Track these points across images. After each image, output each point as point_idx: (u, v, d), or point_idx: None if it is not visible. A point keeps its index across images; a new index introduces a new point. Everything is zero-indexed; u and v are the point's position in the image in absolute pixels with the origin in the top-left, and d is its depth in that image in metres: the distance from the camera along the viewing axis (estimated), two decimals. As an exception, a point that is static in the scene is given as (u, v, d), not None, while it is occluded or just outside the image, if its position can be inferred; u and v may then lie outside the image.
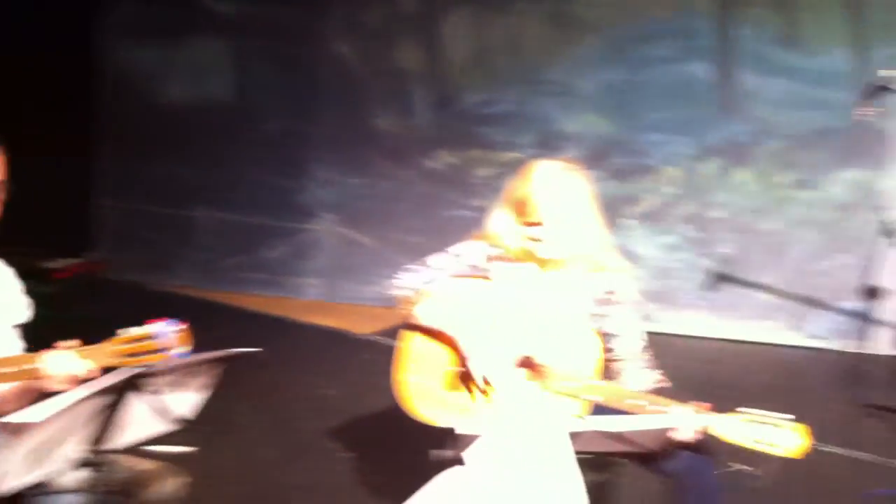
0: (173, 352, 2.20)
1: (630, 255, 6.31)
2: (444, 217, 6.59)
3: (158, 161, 7.27)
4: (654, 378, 2.82)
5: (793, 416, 2.48)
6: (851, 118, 4.11)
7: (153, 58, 7.29)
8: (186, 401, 2.47)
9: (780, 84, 6.09)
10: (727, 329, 6.36)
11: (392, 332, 3.03)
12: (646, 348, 2.90)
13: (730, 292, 6.35)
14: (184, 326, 2.24)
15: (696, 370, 5.65)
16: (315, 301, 7.06)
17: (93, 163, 7.38)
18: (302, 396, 4.92)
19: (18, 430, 1.93)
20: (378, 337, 5.90)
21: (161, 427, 2.41)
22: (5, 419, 1.99)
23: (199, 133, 7.21)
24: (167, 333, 2.21)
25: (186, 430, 3.89)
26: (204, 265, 7.35)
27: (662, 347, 5.94)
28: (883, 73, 3.86)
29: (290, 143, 7.05)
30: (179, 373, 2.28)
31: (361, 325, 6.26)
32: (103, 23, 7.23)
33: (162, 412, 2.29)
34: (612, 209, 6.35)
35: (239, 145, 7.13)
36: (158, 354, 2.20)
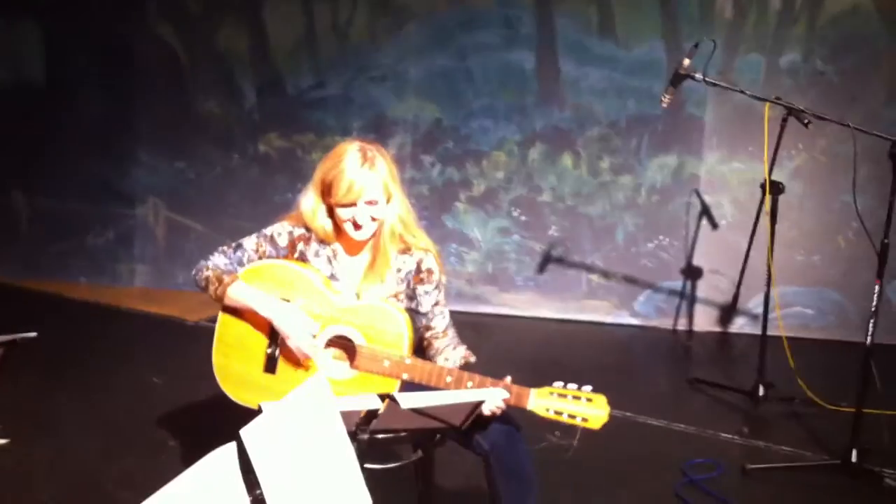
0: None
1: (462, 239, 6.48)
2: (277, 202, 6.51)
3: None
4: (462, 353, 2.88)
5: (591, 387, 2.60)
6: (660, 107, 4.27)
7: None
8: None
9: (599, 73, 6.26)
10: (556, 309, 6.53)
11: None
12: (451, 325, 2.96)
13: (558, 274, 6.53)
14: None
15: (526, 350, 5.81)
16: (143, 288, 6.90)
17: None
18: (127, 386, 4.80)
19: None
20: (209, 323, 5.81)
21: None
22: None
23: (14, 117, 6.89)
24: None
25: (1, 420, 3.76)
26: (23, 254, 7.05)
27: (494, 328, 6.18)
28: (685, 61, 4.02)
29: (113, 128, 6.83)
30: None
31: (192, 312, 6.16)
32: None
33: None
34: (445, 193, 6.51)
35: (58, 130, 6.85)
36: None
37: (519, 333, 6.22)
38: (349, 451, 1.81)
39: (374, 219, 2.82)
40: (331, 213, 2.87)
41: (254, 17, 6.63)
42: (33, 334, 2.43)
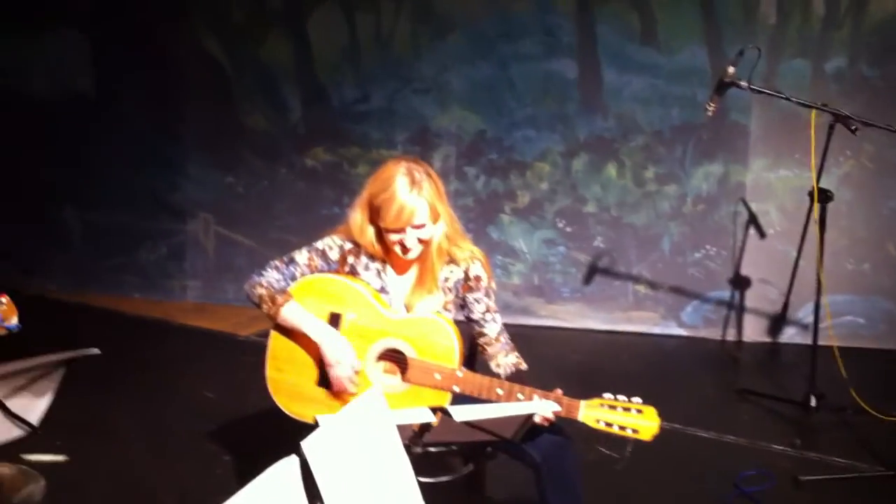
0: (6, 324, 2.19)
1: (508, 250, 6.49)
2: (323, 215, 6.57)
3: (22, 159, 7.05)
4: (514, 360, 2.91)
5: (640, 399, 2.61)
6: (704, 116, 4.25)
7: (14, 53, 7.05)
8: (30, 405, 2.44)
9: (642, 81, 6.23)
10: (603, 320, 6.49)
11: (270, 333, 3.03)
12: (503, 333, 2.98)
13: (604, 284, 6.49)
14: (6, 298, 2.24)
15: (573, 361, 5.80)
16: (194, 303, 6.97)
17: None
18: (181, 399, 4.86)
19: None
20: (259, 338, 5.87)
21: (9, 433, 2.37)
22: None
23: (65, 132, 7.01)
24: None
25: (59, 437, 3.83)
26: (76, 269, 7.16)
27: (540, 340, 6.16)
28: (729, 69, 4.01)
29: (160, 141, 6.92)
30: (21, 377, 2.25)
31: (242, 327, 6.23)
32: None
33: (8, 417, 2.25)
34: (489, 205, 6.53)
35: (108, 144, 6.94)
36: None
37: (565, 345, 6.20)
38: (406, 463, 1.84)
39: (421, 241, 2.85)
40: (378, 232, 2.91)
41: (297, 29, 6.68)
42: (96, 351, 2.48)
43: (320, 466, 1.56)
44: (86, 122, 6.99)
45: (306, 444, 1.61)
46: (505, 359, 2.92)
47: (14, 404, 2.33)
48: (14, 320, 2.24)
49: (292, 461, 1.58)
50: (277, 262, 2.98)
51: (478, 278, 2.96)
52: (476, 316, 2.96)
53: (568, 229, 6.50)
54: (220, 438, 4.27)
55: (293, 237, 6.45)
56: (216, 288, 6.97)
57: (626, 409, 2.60)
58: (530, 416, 2.53)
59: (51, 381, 2.51)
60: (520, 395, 2.66)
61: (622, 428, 2.59)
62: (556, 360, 5.67)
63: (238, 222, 6.93)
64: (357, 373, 2.82)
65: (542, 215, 6.52)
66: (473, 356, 3.06)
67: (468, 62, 6.43)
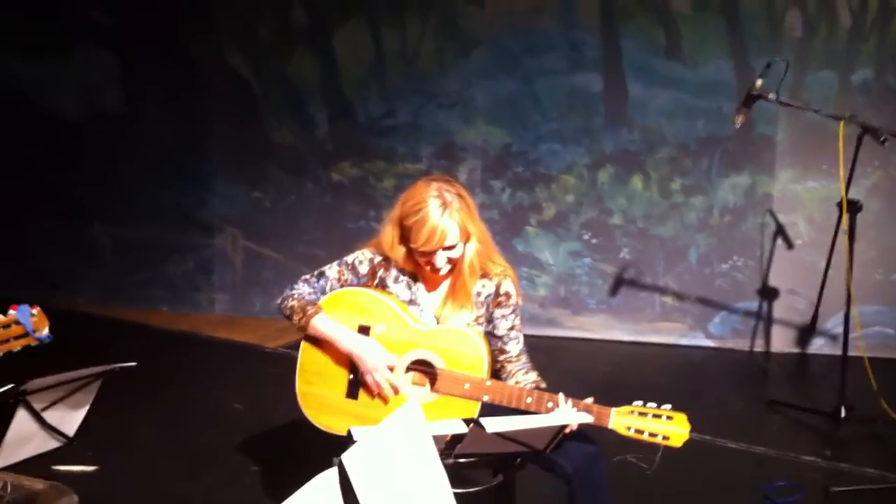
0: (37, 335, 2.22)
1: (534, 262, 6.49)
2: (349, 229, 6.61)
3: (51, 176, 7.17)
4: (534, 378, 2.91)
5: (670, 407, 2.61)
6: (732, 126, 4.25)
7: (41, 71, 7.15)
8: (67, 417, 2.47)
9: (667, 94, 6.23)
10: (630, 332, 6.48)
11: (300, 346, 3.05)
12: (524, 353, 2.98)
13: (631, 296, 6.48)
14: (36, 310, 2.28)
15: (600, 373, 5.78)
16: (222, 315, 7.01)
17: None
18: (209, 411, 4.89)
19: None
20: (287, 350, 5.91)
21: (45, 444, 2.40)
22: None
23: (93, 148, 7.11)
24: (28, 316, 2.24)
25: (89, 448, 3.87)
26: (105, 283, 7.24)
27: (567, 351, 6.15)
28: (757, 82, 4.02)
29: (188, 157, 6.98)
30: (59, 390, 2.29)
31: (270, 339, 6.26)
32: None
33: (45, 429, 2.29)
34: (515, 217, 6.54)
35: (134, 159, 7.04)
36: (25, 339, 2.22)
37: (592, 356, 6.19)
38: (443, 475, 1.85)
39: (451, 260, 2.87)
40: (409, 251, 2.92)
41: (323, 45, 6.73)
42: (133, 364, 2.52)
43: (359, 479, 1.57)
44: (113, 139, 7.08)
45: (346, 458, 1.63)
46: (525, 376, 2.92)
47: (51, 416, 2.36)
48: (45, 331, 2.28)
49: (331, 475, 1.59)
50: (308, 276, 3.01)
51: (508, 295, 2.97)
52: (500, 332, 2.96)
53: (594, 241, 6.49)
54: (247, 450, 4.29)
55: (320, 251, 6.49)
56: (244, 301, 7.01)
57: (657, 416, 2.61)
58: (562, 427, 2.54)
59: (87, 394, 2.54)
60: (549, 404, 2.66)
61: (653, 435, 2.60)
62: (582, 371, 5.67)
63: (265, 236, 6.97)
64: (392, 369, 2.83)
65: (568, 227, 6.52)
66: (494, 372, 3.07)
67: (492, 77, 6.45)
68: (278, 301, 2.97)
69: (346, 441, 2.52)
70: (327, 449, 2.70)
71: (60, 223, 7.23)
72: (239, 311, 7.00)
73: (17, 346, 2.22)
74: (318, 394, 2.94)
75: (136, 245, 7.14)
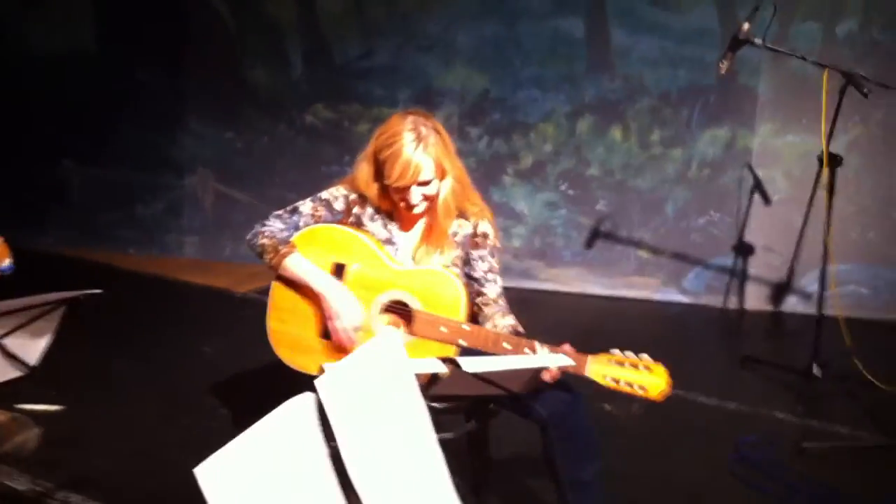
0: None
1: (509, 213, 6.42)
2: (324, 173, 6.50)
3: (21, 112, 7.00)
4: (511, 322, 2.82)
5: (649, 357, 2.56)
6: (716, 74, 4.18)
7: (15, 7, 6.97)
8: (28, 345, 2.38)
9: (650, 41, 6.14)
10: (604, 285, 6.46)
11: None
12: (501, 296, 2.90)
13: (606, 249, 6.45)
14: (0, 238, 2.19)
15: (573, 326, 5.74)
16: (192, 259, 6.92)
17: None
18: (180, 354, 4.83)
19: None
20: (257, 295, 5.83)
21: (5, 373, 2.32)
22: None
23: (66, 85, 6.94)
24: None
25: (54, 388, 3.80)
26: (76, 223, 7.11)
27: (540, 304, 6.11)
28: (744, 26, 3.93)
29: (162, 96, 6.84)
30: (19, 316, 2.20)
31: (239, 284, 6.18)
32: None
33: (4, 357, 2.20)
34: (492, 166, 6.46)
35: (107, 98, 6.88)
36: None
37: (565, 310, 6.16)
38: (421, 405, 1.78)
39: (426, 197, 2.78)
40: (384, 188, 2.83)
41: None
42: (97, 291, 2.42)
43: (334, 406, 1.50)
44: (86, 76, 6.92)
45: (319, 383, 1.55)
46: (502, 320, 2.83)
47: (11, 343, 2.28)
48: (7, 261, 2.19)
49: (307, 398, 1.52)
50: (280, 212, 2.91)
51: (485, 235, 2.89)
52: (477, 274, 2.88)
53: (570, 192, 6.43)
54: (217, 391, 4.24)
55: (293, 194, 6.32)
56: (214, 244, 6.92)
57: (634, 366, 2.54)
58: (539, 371, 2.48)
59: (50, 321, 2.45)
60: (527, 350, 2.60)
61: (629, 385, 2.53)
62: (555, 324, 5.63)
63: (237, 178, 6.87)
64: (359, 328, 2.76)
65: (545, 178, 6.45)
66: (472, 318, 2.99)
67: (476, 18, 6.33)
68: (248, 237, 2.87)
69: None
70: (300, 390, 2.65)
71: (29, 160, 7.07)
72: (209, 255, 6.92)
73: None
74: (291, 332, 2.85)
75: (106, 184, 7.00)
